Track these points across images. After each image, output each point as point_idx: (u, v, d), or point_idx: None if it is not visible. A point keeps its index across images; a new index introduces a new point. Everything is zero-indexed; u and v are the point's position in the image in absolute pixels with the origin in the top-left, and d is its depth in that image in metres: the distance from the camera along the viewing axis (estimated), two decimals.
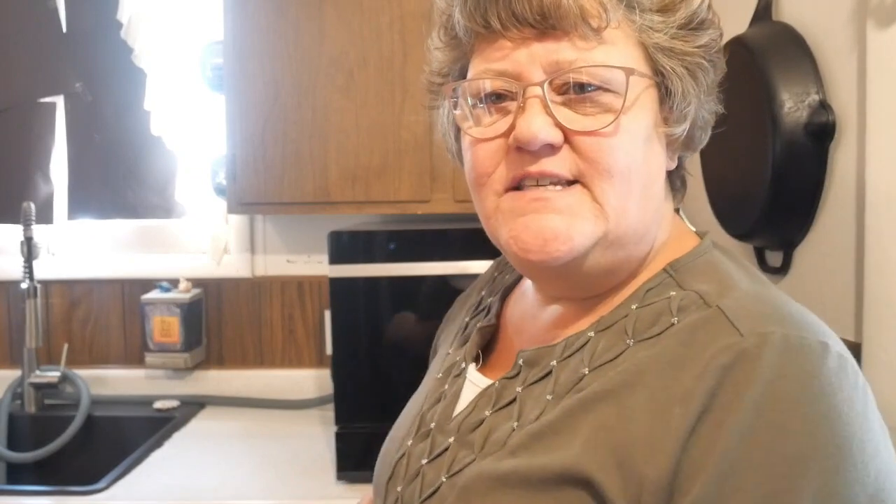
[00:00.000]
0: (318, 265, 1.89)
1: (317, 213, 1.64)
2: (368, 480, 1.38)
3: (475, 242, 1.42)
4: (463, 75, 0.66)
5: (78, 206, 1.99)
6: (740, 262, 0.64)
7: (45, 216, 1.94)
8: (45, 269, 1.88)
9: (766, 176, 0.93)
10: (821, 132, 0.89)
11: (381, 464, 0.76)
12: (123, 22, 1.86)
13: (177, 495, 1.38)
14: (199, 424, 1.77)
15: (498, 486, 0.59)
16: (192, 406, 1.85)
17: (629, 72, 0.59)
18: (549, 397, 0.61)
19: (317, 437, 1.66)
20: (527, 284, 0.75)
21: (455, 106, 0.65)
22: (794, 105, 0.91)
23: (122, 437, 1.76)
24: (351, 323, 1.45)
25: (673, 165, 0.66)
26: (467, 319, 0.80)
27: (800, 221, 0.95)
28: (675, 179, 0.68)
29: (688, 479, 0.51)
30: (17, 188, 1.94)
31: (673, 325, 0.57)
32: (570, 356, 0.62)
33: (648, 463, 0.52)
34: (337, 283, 1.44)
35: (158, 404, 1.85)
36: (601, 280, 0.64)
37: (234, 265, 1.92)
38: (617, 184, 0.59)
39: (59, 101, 1.97)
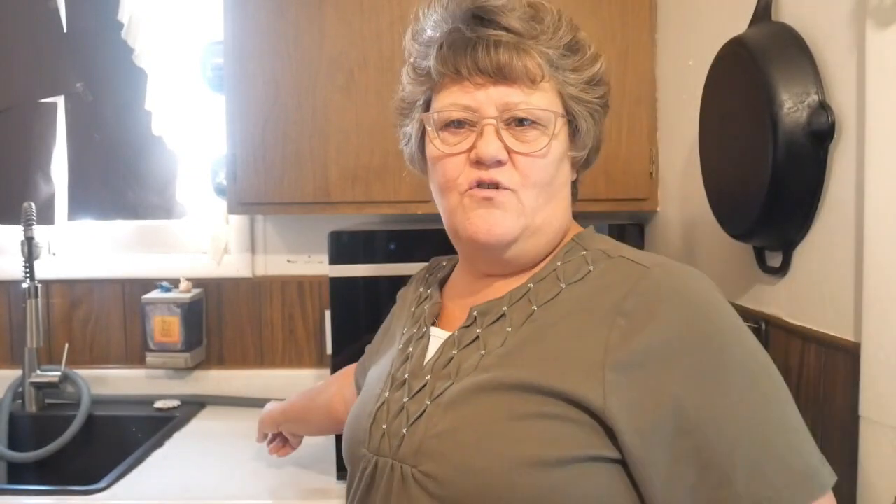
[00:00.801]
0: (318, 265, 1.89)
1: (317, 213, 1.64)
2: None
3: None
4: (427, 103, 0.88)
5: (78, 206, 1.99)
6: (618, 242, 0.89)
7: (46, 216, 1.94)
8: (45, 269, 1.88)
9: (766, 176, 0.93)
10: (820, 133, 0.89)
11: (352, 430, 0.90)
12: (124, 22, 1.86)
13: (177, 495, 1.38)
14: (200, 424, 1.77)
15: (477, 391, 0.78)
16: (193, 406, 1.86)
17: (556, 114, 0.84)
18: (508, 329, 0.82)
19: (316, 436, 1.66)
20: (457, 275, 0.97)
21: (427, 128, 0.87)
22: (793, 105, 0.91)
23: (122, 437, 1.77)
24: (351, 323, 1.45)
25: (575, 177, 0.92)
26: (413, 309, 0.99)
27: (799, 222, 0.95)
28: (575, 189, 0.94)
29: (625, 365, 0.74)
30: (17, 188, 1.94)
31: (590, 271, 0.83)
32: (517, 301, 0.84)
33: (597, 351, 0.75)
34: (337, 283, 1.44)
35: (159, 404, 1.85)
36: (527, 261, 0.87)
37: (234, 265, 1.92)
38: (536, 191, 0.83)
39: (60, 101, 1.97)
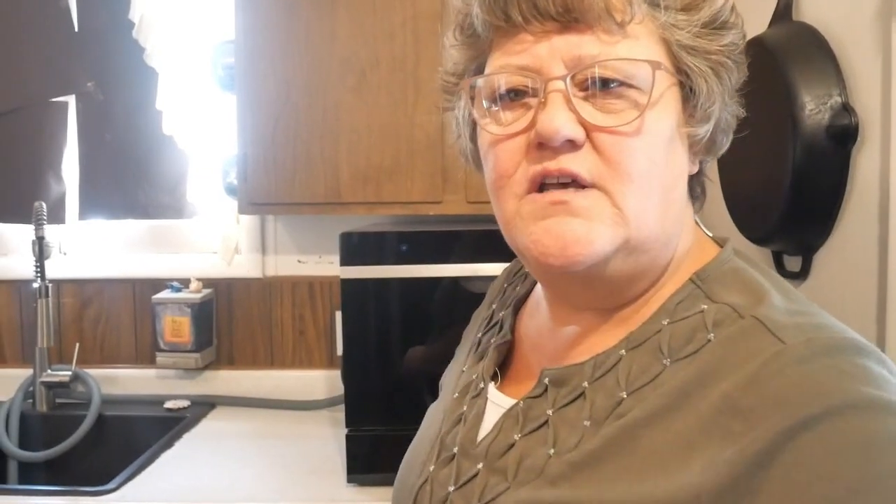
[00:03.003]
0: (329, 266, 1.88)
1: (328, 214, 1.63)
2: (379, 483, 1.39)
3: (487, 244, 1.41)
4: (480, 74, 0.64)
5: (89, 205, 1.99)
6: (763, 269, 0.63)
7: (57, 216, 1.94)
8: (56, 269, 1.88)
9: (786, 179, 0.91)
10: (843, 135, 0.88)
11: (399, 491, 0.74)
12: (135, 21, 1.85)
13: (187, 497, 1.37)
14: (210, 425, 1.76)
15: None
16: (203, 406, 1.85)
17: (656, 65, 0.57)
18: (586, 423, 0.58)
19: (327, 438, 1.65)
20: (539, 295, 0.73)
21: (473, 103, 0.63)
22: (815, 107, 0.89)
23: (132, 437, 1.76)
24: (362, 324, 1.44)
25: (695, 169, 0.64)
26: (480, 335, 0.78)
27: (820, 226, 0.93)
28: (696, 185, 0.67)
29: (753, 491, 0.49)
30: (28, 188, 1.94)
31: (709, 341, 0.56)
32: (602, 376, 0.60)
33: (706, 479, 0.50)
34: (348, 285, 1.43)
35: (169, 404, 1.85)
36: (624, 289, 0.62)
37: (244, 265, 1.91)
38: (637, 188, 0.57)
39: (71, 100, 1.97)
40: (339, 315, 1.62)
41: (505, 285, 0.82)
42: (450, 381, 0.79)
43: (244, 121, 1.57)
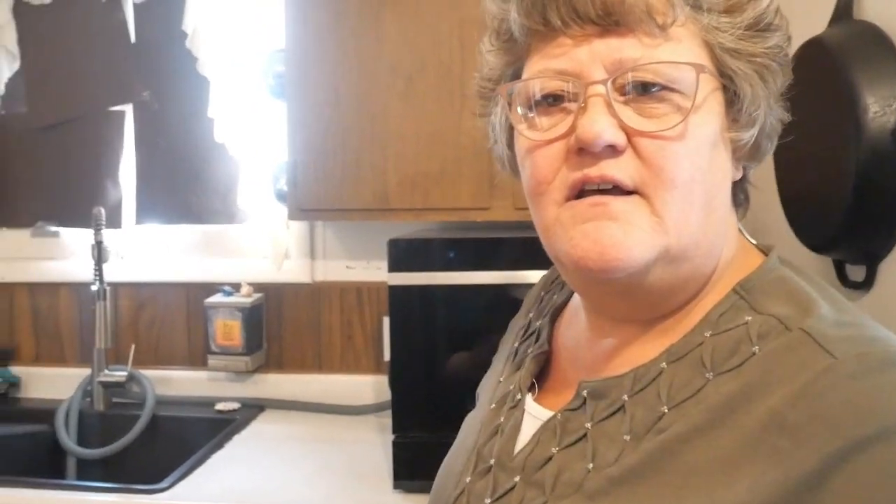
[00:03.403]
0: (377, 271, 1.88)
1: (376, 220, 1.64)
2: (425, 490, 1.37)
3: (535, 251, 1.38)
4: (516, 80, 0.63)
5: (145, 210, 2.04)
6: (811, 278, 0.60)
7: (115, 221, 1.99)
8: (114, 273, 1.93)
9: (849, 184, 0.88)
10: None
11: (436, 500, 0.73)
12: (189, 32, 1.89)
13: (238, 498, 1.39)
14: (259, 427, 1.78)
15: None
16: (252, 409, 1.88)
17: (700, 68, 0.56)
18: (626, 437, 0.56)
19: (373, 443, 1.65)
20: (577, 305, 0.71)
21: (510, 108, 0.62)
22: (879, 109, 0.85)
23: (184, 437, 1.80)
24: (409, 330, 1.44)
25: (738, 175, 0.62)
26: (517, 345, 0.77)
27: (885, 233, 0.89)
28: (739, 192, 0.65)
29: None
30: (88, 194, 2.00)
31: (754, 354, 0.54)
32: (642, 390, 0.58)
33: (752, 500, 0.49)
34: (396, 291, 1.43)
35: (220, 406, 1.88)
36: (665, 300, 0.60)
37: (294, 270, 1.93)
38: (679, 194, 0.56)
39: (129, 109, 2.02)
40: (386, 321, 1.62)
41: (542, 293, 0.81)
42: (487, 390, 0.78)
43: (294, 128, 1.59)
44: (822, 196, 0.97)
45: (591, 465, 0.57)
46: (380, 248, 1.54)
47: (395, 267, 1.43)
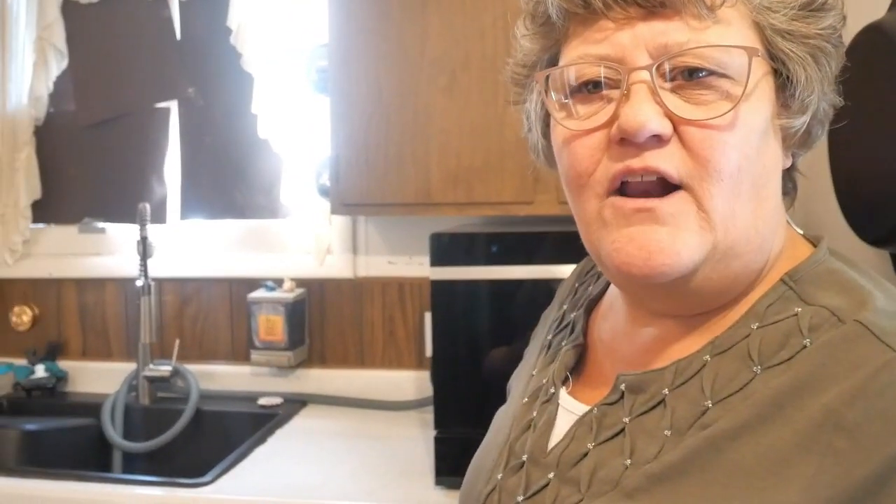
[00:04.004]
0: (419, 267, 1.88)
1: (418, 215, 1.63)
2: None
3: (578, 245, 1.37)
4: (552, 66, 0.60)
5: (189, 206, 2.06)
6: (863, 270, 0.58)
7: (160, 216, 2.02)
8: (159, 268, 1.95)
9: None
10: None
11: (466, 497, 0.71)
12: (233, 28, 1.91)
13: (279, 492, 1.40)
14: (301, 422, 1.79)
15: None
16: (295, 403, 1.89)
17: (752, 52, 0.53)
18: (667, 433, 0.54)
19: (415, 439, 1.65)
20: (614, 296, 0.69)
21: (547, 96, 0.59)
22: None
23: (228, 432, 1.81)
24: (451, 326, 1.43)
25: (788, 163, 0.60)
26: (550, 337, 0.74)
27: None
28: (787, 181, 0.62)
29: None
30: (133, 190, 2.03)
31: (805, 347, 0.52)
32: (683, 384, 0.56)
33: (805, 501, 0.47)
34: (438, 286, 1.42)
35: (263, 401, 1.89)
36: (712, 297, 0.58)
37: (336, 266, 1.94)
38: (727, 186, 0.53)
39: (174, 105, 2.05)
40: (428, 316, 1.61)
41: (576, 285, 0.79)
42: (518, 384, 0.76)
43: (337, 123, 1.59)
44: (881, 188, 0.94)
45: (628, 462, 0.55)
46: (422, 244, 1.53)
47: (437, 262, 1.42)
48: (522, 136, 0.69)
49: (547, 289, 1.38)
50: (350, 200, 1.60)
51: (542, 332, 0.79)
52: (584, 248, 0.63)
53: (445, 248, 1.42)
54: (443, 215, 1.61)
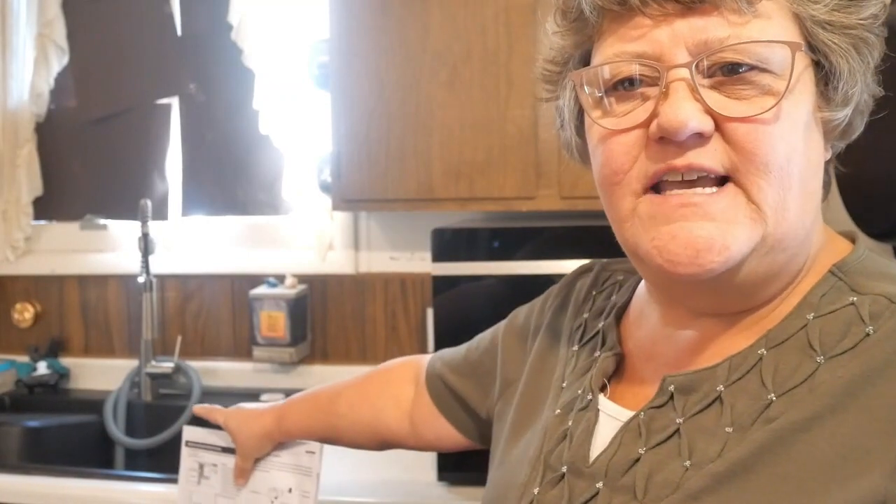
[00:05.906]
0: (420, 262, 1.88)
1: (420, 210, 1.63)
2: (469, 483, 1.37)
3: (581, 240, 1.37)
4: (584, 62, 0.60)
5: (191, 202, 2.06)
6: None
7: (161, 213, 2.02)
8: (160, 264, 1.95)
9: None
10: None
11: None
12: (234, 24, 1.91)
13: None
14: None
15: None
16: None
17: (796, 47, 0.52)
18: (728, 430, 0.53)
19: None
20: (643, 302, 0.67)
21: (581, 94, 0.59)
22: None
23: None
24: (453, 321, 1.43)
25: (828, 156, 0.59)
26: (575, 348, 0.71)
27: None
28: (824, 174, 0.61)
29: None
30: (135, 186, 2.03)
31: (868, 335, 0.52)
32: (739, 379, 0.55)
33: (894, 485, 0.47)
34: (440, 281, 1.42)
35: (265, 397, 1.88)
36: (758, 291, 0.57)
37: (338, 262, 1.94)
38: (775, 179, 0.52)
39: (175, 102, 2.04)
40: (430, 312, 1.61)
41: (593, 290, 0.76)
42: (538, 394, 0.72)
43: (338, 118, 1.59)
44: (886, 181, 0.93)
45: (688, 463, 0.54)
46: (424, 239, 1.53)
47: (439, 257, 1.42)
48: (554, 132, 0.68)
49: (549, 284, 1.37)
50: (351, 196, 1.60)
51: (555, 343, 0.75)
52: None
53: (447, 244, 1.42)
54: (444, 210, 1.60)
